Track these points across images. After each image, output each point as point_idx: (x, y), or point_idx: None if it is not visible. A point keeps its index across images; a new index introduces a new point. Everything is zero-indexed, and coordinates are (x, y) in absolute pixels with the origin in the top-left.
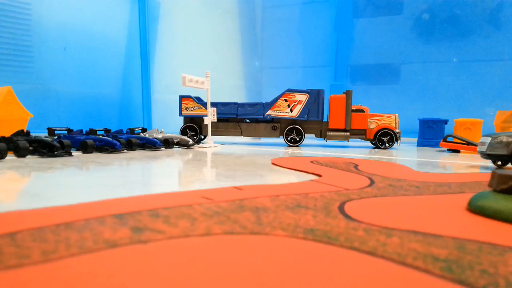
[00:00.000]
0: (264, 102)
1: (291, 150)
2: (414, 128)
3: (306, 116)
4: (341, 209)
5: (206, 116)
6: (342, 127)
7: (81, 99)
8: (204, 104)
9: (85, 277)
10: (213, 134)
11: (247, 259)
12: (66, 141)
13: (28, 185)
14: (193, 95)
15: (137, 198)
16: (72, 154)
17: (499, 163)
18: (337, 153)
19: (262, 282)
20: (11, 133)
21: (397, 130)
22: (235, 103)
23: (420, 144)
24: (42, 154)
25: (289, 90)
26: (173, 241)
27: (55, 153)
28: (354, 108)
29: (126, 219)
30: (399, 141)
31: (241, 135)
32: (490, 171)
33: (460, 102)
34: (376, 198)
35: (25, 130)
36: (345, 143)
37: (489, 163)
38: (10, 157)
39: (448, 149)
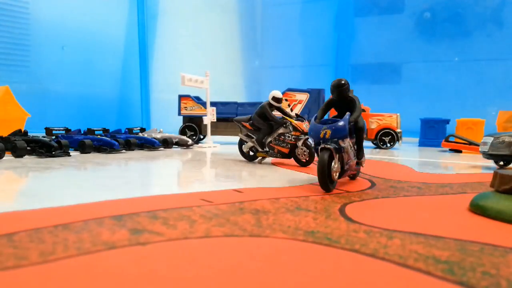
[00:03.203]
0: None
1: None
2: (416, 128)
3: (306, 116)
4: (342, 211)
5: (206, 115)
6: None
7: (79, 99)
8: (204, 104)
9: (83, 279)
10: (212, 134)
11: (246, 261)
12: (64, 141)
13: (26, 185)
14: (192, 94)
15: (136, 199)
16: (70, 154)
17: (501, 163)
18: None
19: (261, 284)
20: (9, 133)
21: (398, 130)
22: (235, 103)
23: (422, 144)
24: (40, 154)
25: (290, 90)
26: (172, 243)
27: (53, 153)
28: None
29: (124, 220)
30: (400, 141)
31: None
32: (492, 172)
33: (462, 101)
34: (377, 199)
35: (22, 130)
36: None
37: (491, 163)
38: (8, 157)
39: (450, 149)
